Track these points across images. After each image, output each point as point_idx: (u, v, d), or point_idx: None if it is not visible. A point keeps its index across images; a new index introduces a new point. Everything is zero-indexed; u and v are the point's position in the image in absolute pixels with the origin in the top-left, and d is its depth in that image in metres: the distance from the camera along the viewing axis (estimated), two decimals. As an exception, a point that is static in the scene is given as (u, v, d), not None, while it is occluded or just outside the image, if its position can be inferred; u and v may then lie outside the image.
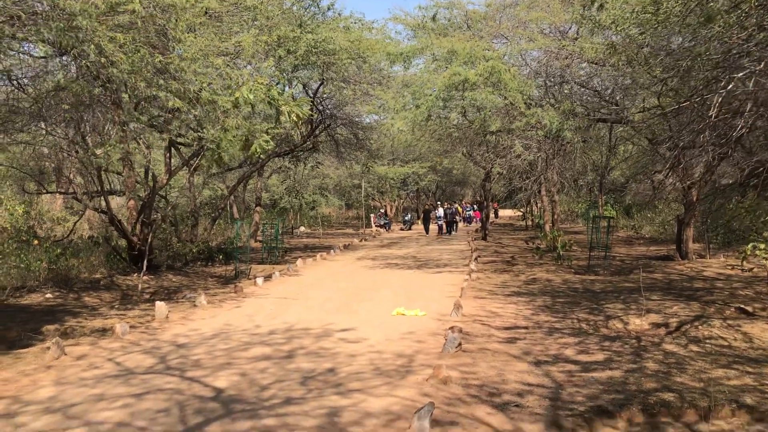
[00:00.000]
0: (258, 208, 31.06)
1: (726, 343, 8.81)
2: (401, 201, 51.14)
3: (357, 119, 25.94)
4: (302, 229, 41.04)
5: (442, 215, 35.27)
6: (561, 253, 18.93)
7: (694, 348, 8.63)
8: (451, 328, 9.00)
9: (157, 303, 11.64)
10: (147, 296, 14.07)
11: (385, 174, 42.56)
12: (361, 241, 31.33)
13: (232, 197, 30.14)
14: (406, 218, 40.57)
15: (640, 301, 11.48)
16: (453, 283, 15.50)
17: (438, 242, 29.56)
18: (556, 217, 22.73)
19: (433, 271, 18.21)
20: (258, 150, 9.97)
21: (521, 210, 51.99)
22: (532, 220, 41.28)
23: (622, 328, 10.09)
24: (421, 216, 39.62)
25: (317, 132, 24.78)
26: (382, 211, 43.57)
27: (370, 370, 7.77)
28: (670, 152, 14.89)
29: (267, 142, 10.28)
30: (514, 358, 8.30)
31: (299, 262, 20.00)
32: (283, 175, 37.96)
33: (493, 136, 24.19)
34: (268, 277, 16.90)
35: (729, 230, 20.83)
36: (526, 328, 10.17)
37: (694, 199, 18.18)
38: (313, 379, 7.42)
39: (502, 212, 56.86)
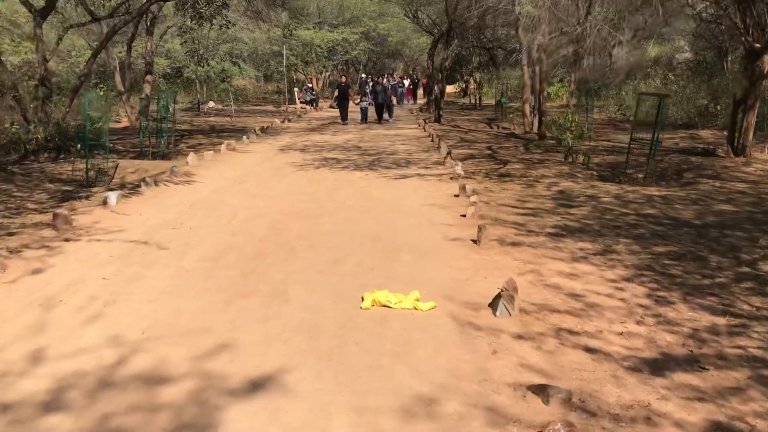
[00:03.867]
0: (149, 77, 23.31)
1: None
2: (328, 74, 43.50)
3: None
4: (211, 104, 33.30)
5: (371, 95, 23.71)
6: (572, 147, 12.82)
7: None
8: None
9: None
10: None
11: (310, 40, 34.80)
12: (283, 121, 24.34)
13: (116, 63, 22.30)
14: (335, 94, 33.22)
15: None
16: (440, 200, 9.24)
17: (382, 126, 22.73)
18: (542, 95, 16.69)
19: (397, 174, 11.82)
20: None
21: (460, 87, 45.71)
22: (478, 98, 35.01)
23: None
24: (335, 94, 26.82)
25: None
26: (309, 84, 36.15)
27: None
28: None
29: None
30: None
31: (191, 157, 13.03)
32: (187, 39, 29.80)
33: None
34: (134, 189, 10.11)
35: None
36: (692, 364, 4.05)
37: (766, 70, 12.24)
38: None
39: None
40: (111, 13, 16.47)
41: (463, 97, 43.19)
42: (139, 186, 10.24)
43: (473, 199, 8.02)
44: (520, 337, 4.44)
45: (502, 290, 4.87)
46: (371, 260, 6.36)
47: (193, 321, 4.77)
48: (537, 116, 18.69)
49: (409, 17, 29.75)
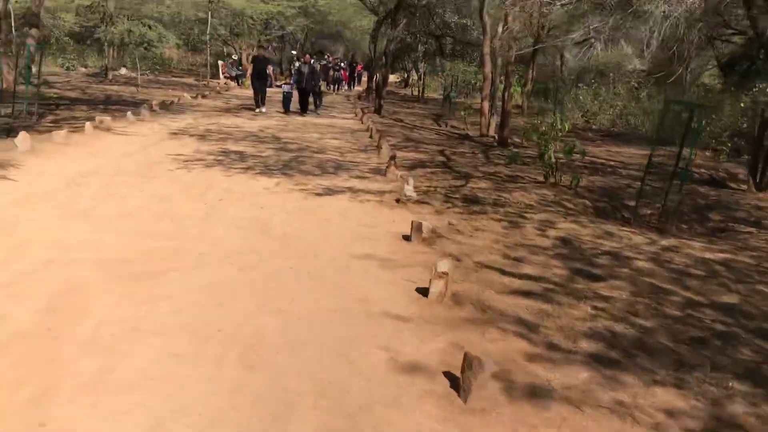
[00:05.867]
0: (33, 31, 18.57)
1: None
2: (261, 49, 38.90)
3: None
4: (123, 71, 28.48)
5: (294, 76, 17.43)
6: (554, 163, 9.30)
7: None
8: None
9: None
10: None
11: (242, 10, 30.30)
12: (195, 97, 20.00)
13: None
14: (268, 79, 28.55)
15: None
16: (382, 246, 5.49)
17: (309, 113, 17.74)
18: (508, 92, 13.16)
19: (321, 187, 7.95)
20: None
21: (402, 77, 42.00)
22: (420, 90, 31.37)
23: None
24: (250, 71, 20.14)
25: None
26: (235, 57, 31.60)
27: None
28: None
29: None
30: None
31: (22, 139, 8.48)
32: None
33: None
34: None
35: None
36: None
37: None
38: None
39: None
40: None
41: (404, 87, 39.54)
42: None
43: (441, 267, 4.34)
44: None
45: None
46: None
47: None
48: (497, 117, 15.22)
49: (353, -8, 25.79)
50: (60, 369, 3.16)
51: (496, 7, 16.15)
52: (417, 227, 5.74)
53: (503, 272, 5.09)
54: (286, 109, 17.64)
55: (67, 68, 26.84)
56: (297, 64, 21.28)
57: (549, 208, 7.71)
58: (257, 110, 17.01)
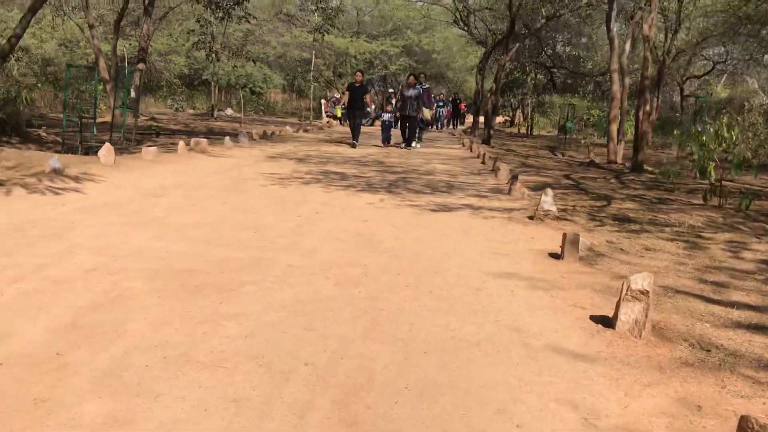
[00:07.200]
0: (140, 66, 18.69)
1: None
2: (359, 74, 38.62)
3: None
4: (229, 111, 28.74)
5: (397, 104, 15.31)
6: (716, 180, 7.55)
7: None
8: None
9: None
10: None
11: (345, 49, 30.11)
12: (298, 130, 19.45)
13: (96, 45, 17.74)
14: (367, 109, 27.81)
15: None
16: (525, 265, 4.05)
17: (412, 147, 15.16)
18: (644, 109, 11.45)
19: (433, 204, 6.62)
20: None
21: (507, 115, 40.54)
22: (529, 127, 29.75)
23: None
24: (345, 100, 16.12)
25: None
26: (337, 97, 31.39)
27: None
28: None
29: None
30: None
31: (105, 152, 7.66)
32: (203, 34, 25.25)
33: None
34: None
35: None
36: None
37: None
38: None
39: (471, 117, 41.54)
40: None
41: (510, 126, 38.06)
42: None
43: (638, 284, 2.86)
44: None
45: None
46: None
47: None
48: (623, 144, 13.50)
49: (459, 24, 24.86)
50: (48, 415, 1.96)
51: (623, 23, 14.60)
52: (572, 241, 4.29)
53: (708, 300, 3.55)
54: (386, 142, 15.35)
55: (176, 109, 27.29)
56: (393, 100, 19.56)
57: (724, 231, 6.03)
58: (354, 145, 14.45)
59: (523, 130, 31.59)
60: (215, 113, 25.83)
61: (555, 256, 4.45)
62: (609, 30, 12.78)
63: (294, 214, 5.64)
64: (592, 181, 10.05)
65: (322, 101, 30.67)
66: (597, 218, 6.20)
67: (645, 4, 11.83)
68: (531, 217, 5.96)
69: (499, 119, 39.98)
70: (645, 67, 11.19)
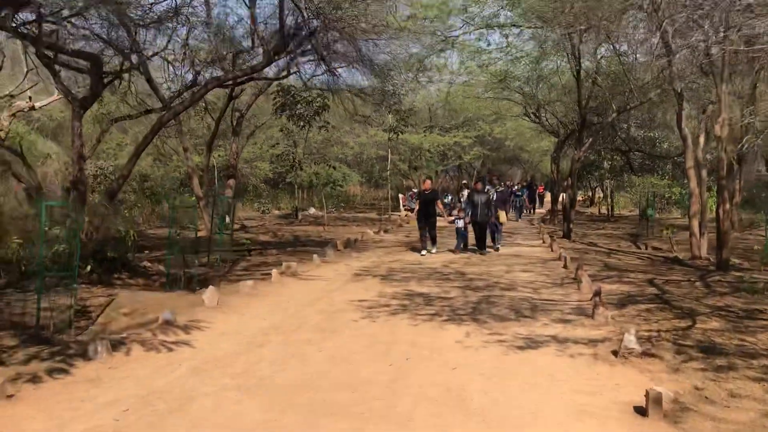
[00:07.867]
0: (230, 182, 20.06)
1: None
2: (439, 180, 39.50)
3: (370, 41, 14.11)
4: (312, 210, 30.00)
5: (467, 209, 15.10)
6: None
7: None
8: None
9: None
10: None
11: (419, 144, 31.12)
12: (378, 232, 20.13)
13: (190, 165, 19.16)
14: (446, 200, 28.44)
15: None
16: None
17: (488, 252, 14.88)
18: (724, 207, 11.36)
19: (518, 338, 6.75)
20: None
21: (586, 195, 40.24)
22: (609, 208, 29.51)
23: None
24: (416, 205, 15.59)
25: (296, 49, 13.23)
26: (414, 190, 32.22)
27: None
28: None
29: None
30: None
31: (210, 294, 8.37)
32: (286, 147, 26.77)
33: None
34: (79, 357, 5.90)
35: None
36: None
37: None
38: None
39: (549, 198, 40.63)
40: (167, 104, 13.04)
41: (589, 206, 37.71)
42: (85, 352, 6.03)
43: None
44: None
45: None
46: None
47: None
48: (707, 236, 13.32)
49: (529, 117, 25.41)
50: None
51: (694, 118, 14.68)
52: (655, 399, 4.45)
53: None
54: (460, 249, 15.05)
55: (263, 211, 28.74)
56: (466, 192, 19.47)
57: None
58: (424, 252, 14.50)
59: (603, 209, 31.33)
60: (299, 215, 27.06)
61: (640, 411, 4.60)
62: (680, 129, 12.90)
63: (386, 362, 6.01)
64: (676, 287, 9.99)
65: (400, 195, 31.54)
66: (683, 350, 6.25)
67: (715, 102, 11.94)
68: (615, 353, 6.11)
69: (579, 198, 39.75)
70: (720, 167, 11.22)
